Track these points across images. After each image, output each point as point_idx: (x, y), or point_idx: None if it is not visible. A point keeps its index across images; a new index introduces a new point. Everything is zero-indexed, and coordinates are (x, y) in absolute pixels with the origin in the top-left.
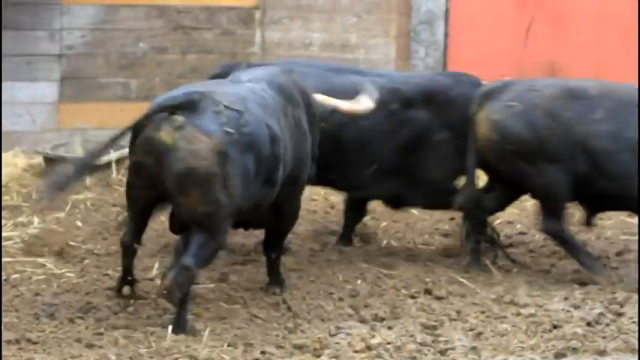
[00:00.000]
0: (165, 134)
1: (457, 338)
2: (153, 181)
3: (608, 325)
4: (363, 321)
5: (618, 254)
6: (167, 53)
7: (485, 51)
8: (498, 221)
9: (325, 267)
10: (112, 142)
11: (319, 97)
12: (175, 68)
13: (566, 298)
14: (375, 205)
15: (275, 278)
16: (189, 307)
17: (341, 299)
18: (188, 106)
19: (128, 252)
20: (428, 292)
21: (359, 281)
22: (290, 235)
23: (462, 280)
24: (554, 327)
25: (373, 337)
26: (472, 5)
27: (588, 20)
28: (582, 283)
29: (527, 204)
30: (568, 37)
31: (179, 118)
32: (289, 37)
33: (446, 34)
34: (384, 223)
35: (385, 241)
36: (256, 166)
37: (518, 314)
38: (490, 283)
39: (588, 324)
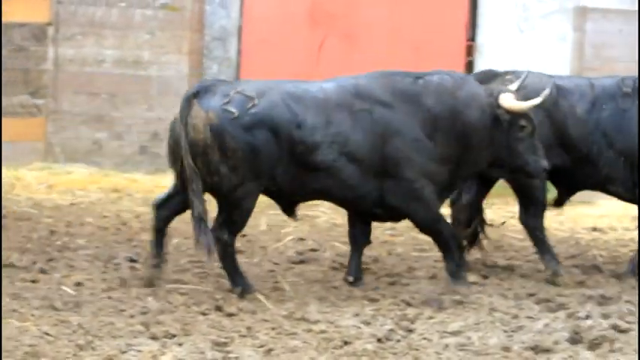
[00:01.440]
0: (180, 113)
1: (247, 355)
2: (172, 154)
3: (398, 341)
4: (154, 338)
5: (409, 270)
6: None
7: (278, 67)
8: (290, 238)
9: (116, 283)
10: None
11: (502, 95)
12: None
13: (356, 315)
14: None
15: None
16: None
17: (132, 316)
18: (205, 91)
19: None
20: (219, 308)
21: (150, 298)
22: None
23: (252, 296)
24: (345, 343)
25: (164, 354)
26: (265, 22)
27: (380, 37)
28: (373, 300)
29: (320, 220)
30: (360, 54)
31: (194, 100)
32: (82, 54)
33: (239, 51)
34: (176, 240)
35: (177, 258)
36: (271, 146)
37: (309, 330)
38: (281, 300)
39: (379, 340)
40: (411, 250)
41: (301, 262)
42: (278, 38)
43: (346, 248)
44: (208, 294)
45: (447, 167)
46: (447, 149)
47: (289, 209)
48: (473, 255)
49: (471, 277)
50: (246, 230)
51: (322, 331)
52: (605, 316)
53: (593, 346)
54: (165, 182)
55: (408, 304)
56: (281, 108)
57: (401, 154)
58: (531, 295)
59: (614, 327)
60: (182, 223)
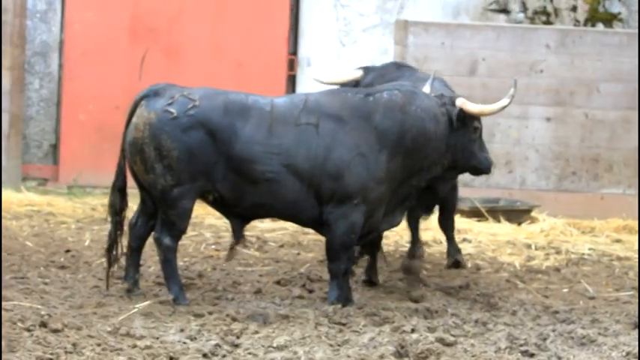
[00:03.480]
0: (127, 116)
1: None
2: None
3: (224, 356)
4: None
5: (234, 285)
6: None
7: (100, 82)
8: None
9: None
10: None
11: (460, 101)
12: None
13: (182, 330)
14: None
15: (333, 292)
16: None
17: None
18: (154, 94)
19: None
20: (44, 324)
21: None
22: None
23: (77, 312)
24: (171, 359)
25: None
26: (86, 37)
27: (202, 52)
28: (198, 315)
29: None
30: (182, 69)
31: (143, 102)
32: None
33: (60, 66)
34: None
35: None
36: (207, 148)
37: (135, 346)
38: (106, 315)
39: (204, 355)
40: (236, 264)
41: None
42: (100, 52)
43: None
44: (33, 310)
45: (391, 184)
46: (398, 164)
47: (239, 229)
48: (297, 269)
49: (296, 291)
50: (69, 246)
51: (147, 347)
52: (431, 330)
53: (419, 359)
54: None
55: (234, 319)
56: (220, 112)
57: (344, 168)
58: (357, 308)
59: (440, 340)
60: (6, 239)
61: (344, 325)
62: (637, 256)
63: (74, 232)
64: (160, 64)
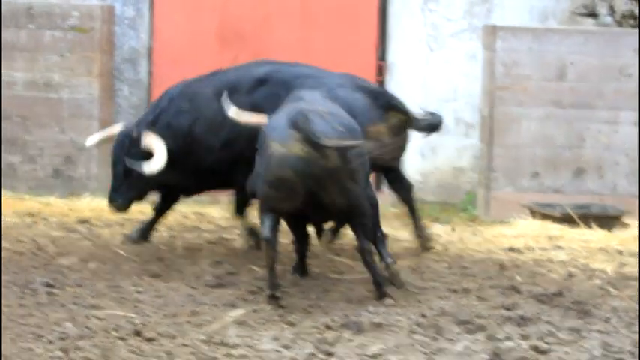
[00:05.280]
0: (296, 149)
1: None
2: (292, 191)
3: None
4: None
5: (326, 292)
6: None
7: None
8: (206, 261)
9: (34, 309)
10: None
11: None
12: None
13: (276, 338)
14: (88, 245)
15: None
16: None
17: (51, 342)
18: (301, 123)
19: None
20: (138, 333)
21: (68, 323)
22: None
23: (171, 321)
24: None
25: None
26: (175, 43)
27: (290, 58)
28: (291, 323)
29: (236, 243)
30: None
31: (296, 135)
32: None
33: (149, 72)
34: (93, 265)
35: (94, 283)
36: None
37: (229, 355)
38: (200, 324)
39: None
40: (328, 272)
41: (219, 285)
42: (188, 59)
43: (263, 271)
44: (127, 318)
45: None
46: None
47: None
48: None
49: (390, 300)
50: (162, 254)
51: (242, 356)
52: (525, 337)
53: None
54: (79, 206)
55: (328, 327)
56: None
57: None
58: (450, 316)
59: (534, 348)
60: (98, 248)
61: (438, 333)
62: None
63: (167, 241)
64: None
